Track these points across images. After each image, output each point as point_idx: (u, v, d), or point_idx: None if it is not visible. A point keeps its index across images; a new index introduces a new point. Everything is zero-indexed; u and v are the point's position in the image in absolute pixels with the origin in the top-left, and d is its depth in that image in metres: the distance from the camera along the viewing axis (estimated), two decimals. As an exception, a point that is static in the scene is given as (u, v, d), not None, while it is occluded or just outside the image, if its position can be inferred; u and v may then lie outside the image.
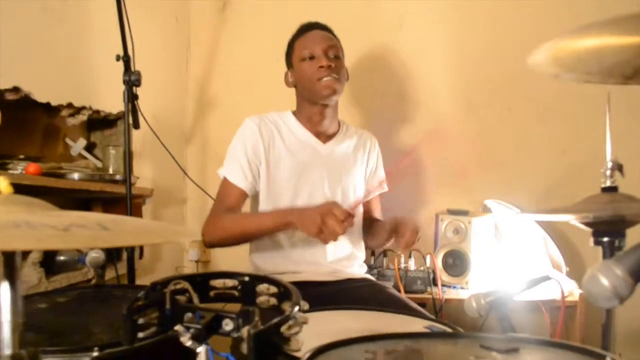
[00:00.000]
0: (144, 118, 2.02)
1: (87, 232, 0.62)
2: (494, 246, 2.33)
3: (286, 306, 0.81)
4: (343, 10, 2.63)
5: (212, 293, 0.90)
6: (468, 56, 2.62)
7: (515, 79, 2.54)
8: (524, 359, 0.85)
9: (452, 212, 2.33)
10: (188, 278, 0.84)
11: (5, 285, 0.63)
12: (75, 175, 1.89)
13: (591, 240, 1.21)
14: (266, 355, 0.70)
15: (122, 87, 1.89)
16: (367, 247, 2.11)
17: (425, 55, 2.66)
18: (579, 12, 2.34)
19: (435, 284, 2.19)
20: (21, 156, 1.78)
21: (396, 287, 2.11)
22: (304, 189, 1.84)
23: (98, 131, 2.30)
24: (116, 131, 2.27)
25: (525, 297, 1.26)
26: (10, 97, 1.69)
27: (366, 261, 2.03)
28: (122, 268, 1.98)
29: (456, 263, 2.27)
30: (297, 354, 0.75)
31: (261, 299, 0.90)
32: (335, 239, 1.53)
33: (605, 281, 0.64)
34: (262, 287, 0.90)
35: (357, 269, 1.93)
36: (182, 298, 0.81)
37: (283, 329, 0.72)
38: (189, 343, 0.66)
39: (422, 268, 2.21)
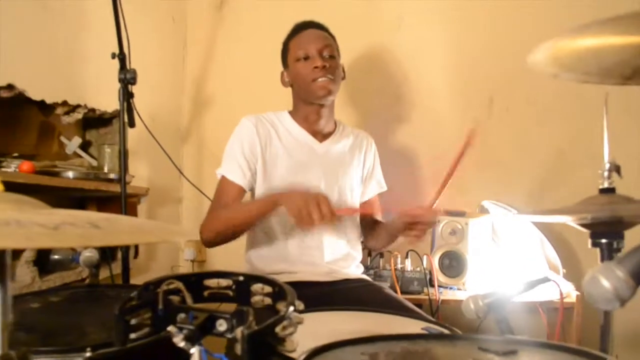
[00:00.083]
0: (140, 117, 2.01)
1: (78, 230, 0.61)
2: (491, 247, 2.33)
3: (281, 306, 0.80)
4: (341, 10, 2.62)
5: (206, 293, 0.89)
6: (466, 57, 2.61)
7: (513, 79, 2.53)
8: (522, 361, 0.85)
9: (448, 213, 2.32)
10: (182, 278, 0.83)
11: (-5, 283, 0.62)
12: (70, 174, 1.88)
13: (589, 241, 1.21)
14: (261, 356, 0.69)
15: (118, 85, 1.88)
16: (368, 249, 2.11)
17: (423, 56, 2.65)
18: (578, 12, 2.33)
19: (431, 285, 2.19)
20: (15, 154, 1.77)
21: (392, 287, 2.11)
22: (301, 188, 1.82)
23: (93, 129, 2.28)
24: (112, 130, 2.25)
25: (523, 298, 1.25)
26: (4, 94, 1.67)
27: (363, 262, 2.02)
28: (117, 267, 1.97)
29: (453, 264, 2.26)
30: (292, 355, 0.74)
31: (256, 299, 0.89)
32: (309, 227, 1.53)
33: (606, 283, 0.63)
34: (257, 286, 0.89)
35: (354, 270, 1.92)
36: (175, 298, 0.80)
37: (278, 329, 0.71)
38: (182, 344, 0.65)
39: (418, 269, 2.20)
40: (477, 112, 2.61)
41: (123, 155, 1.89)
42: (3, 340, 0.63)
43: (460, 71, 2.62)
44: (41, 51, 1.87)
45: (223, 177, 1.81)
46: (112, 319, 0.72)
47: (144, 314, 0.74)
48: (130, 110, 1.91)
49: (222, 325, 0.72)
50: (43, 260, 1.75)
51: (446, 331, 1.18)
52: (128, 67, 1.88)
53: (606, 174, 1.21)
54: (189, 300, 0.79)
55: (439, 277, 2.22)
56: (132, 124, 1.94)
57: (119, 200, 1.88)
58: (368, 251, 2.29)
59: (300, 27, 1.91)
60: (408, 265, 2.22)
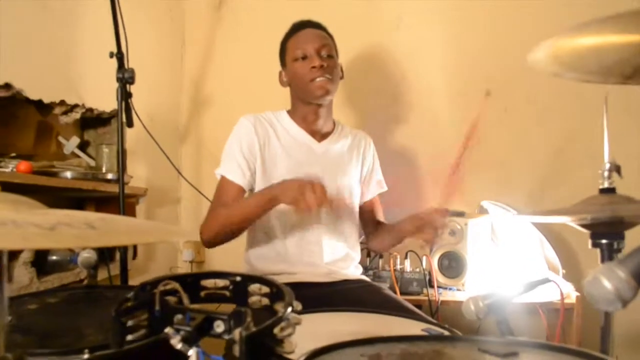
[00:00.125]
0: (138, 116, 2.00)
1: (74, 231, 0.60)
2: (490, 248, 2.32)
3: (279, 307, 0.79)
4: (340, 10, 2.62)
5: (202, 293, 0.89)
6: (465, 57, 2.60)
7: (512, 79, 2.53)
8: (523, 363, 0.84)
9: (448, 213, 2.32)
10: (178, 278, 0.83)
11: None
12: (68, 174, 1.88)
13: (589, 242, 1.20)
14: (259, 358, 0.68)
15: (116, 85, 1.87)
16: (371, 250, 2.10)
17: (422, 56, 2.65)
18: (578, 10, 2.31)
19: (431, 286, 2.18)
20: (13, 154, 1.77)
21: (392, 288, 2.10)
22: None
23: (92, 129, 2.28)
24: (110, 129, 2.25)
25: (523, 299, 1.25)
26: (1, 94, 1.67)
27: (361, 262, 2.02)
28: (115, 268, 1.96)
29: (452, 265, 2.25)
30: (291, 356, 0.74)
31: (253, 299, 0.88)
32: (309, 211, 1.52)
33: (607, 284, 0.62)
34: (254, 287, 0.88)
35: (353, 270, 1.92)
36: (172, 299, 0.79)
37: (276, 330, 0.71)
38: (179, 346, 0.64)
39: (418, 269, 2.20)
40: (475, 112, 2.60)
41: (121, 155, 1.88)
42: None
43: (459, 71, 2.61)
44: (39, 50, 1.87)
45: (223, 177, 1.80)
46: (109, 320, 0.72)
47: (140, 315, 0.73)
48: (128, 110, 1.91)
49: (219, 327, 0.71)
50: (41, 261, 1.74)
51: (446, 332, 1.18)
52: (126, 66, 1.87)
53: (606, 174, 1.21)
54: (185, 301, 0.78)
55: (438, 277, 2.21)
56: (130, 123, 1.93)
57: (117, 201, 1.88)
58: (367, 252, 2.28)
59: (298, 27, 1.91)
60: (407, 266, 2.21)
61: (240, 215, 1.73)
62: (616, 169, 1.21)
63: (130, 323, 0.72)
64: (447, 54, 2.62)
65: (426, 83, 2.64)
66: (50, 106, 1.92)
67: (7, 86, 1.68)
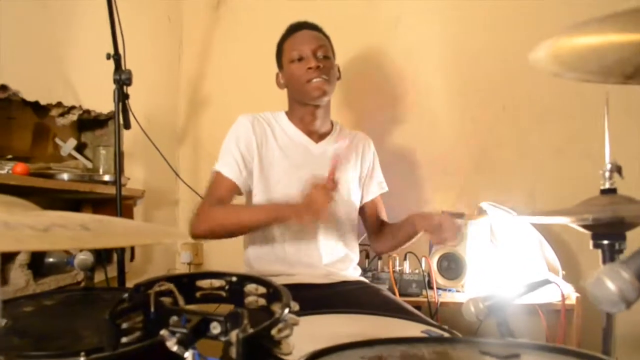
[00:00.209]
0: (135, 118, 1.99)
1: (68, 232, 0.59)
2: (490, 249, 2.31)
3: (276, 308, 0.78)
4: (338, 10, 2.61)
5: (198, 294, 0.88)
6: (464, 56, 2.60)
7: (511, 79, 2.52)
8: (524, 364, 0.83)
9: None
10: (173, 279, 0.82)
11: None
12: (65, 176, 1.87)
13: (590, 243, 1.19)
14: (256, 360, 0.67)
15: (113, 87, 1.86)
16: (375, 252, 2.10)
17: (421, 56, 2.64)
18: (577, 10, 2.31)
19: (430, 287, 2.17)
20: (9, 156, 1.76)
21: (391, 290, 2.09)
22: (297, 188, 1.81)
23: (89, 131, 2.27)
24: (107, 131, 2.24)
25: (523, 300, 1.24)
26: (-3, 95, 1.66)
27: (360, 264, 2.01)
28: (113, 271, 1.95)
29: (451, 266, 2.24)
30: (289, 358, 0.73)
31: (249, 300, 0.87)
32: (325, 211, 1.56)
33: (611, 285, 0.61)
34: (251, 287, 0.87)
35: (352, 272, 1.91)
36: (167, 300, 0.78)
37: (273, 332, 0.70)
38: (175, 348, 0.63)
39: (417, 271, 2.19)
40: (474, 112, 2.60)
41: (118, 157, 1.87)
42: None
43: (458, 71, 2.61)
44: (35, 52, 1.86)
45: (218, 173, 1.79)
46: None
47: (135, 317, 0.72)
48: (125, 111, 1.89)
49: (216, 328, 0.70)
50: (37, 264, 1.73)
51: (446, 334, 1.17)
52: (123, 67, 1.86)
53: (607, 174, 1.20)
54: (181, 302, 0.78)
55: (437, 279, 2.20)
56: (127, 125, 1.92)
57: (115, 203, 1.86)
58: (366, 253, 2.28)
59: (294, 28, 1.90)
60: (406, 267, 2.20)
61: (238, 223, 1.73)
62: (617, 169, 1.20)
63: (125, 325, 0.71)
64: (446, 54, 2.62)
65: (425, 83, 2.63)
66: (47, 108, 1.92)
67: (4, 88, 1.67)
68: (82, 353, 0.79)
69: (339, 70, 1.94)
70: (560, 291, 2.01)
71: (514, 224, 2.34)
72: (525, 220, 2.29)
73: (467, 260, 2.23)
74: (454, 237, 1.70)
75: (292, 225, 1.78)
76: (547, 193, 2.46)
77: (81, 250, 1.32)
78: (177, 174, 2.60)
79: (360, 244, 2.04)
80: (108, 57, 1.84)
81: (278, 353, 0.70)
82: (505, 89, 2.57)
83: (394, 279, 2.15)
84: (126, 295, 0.77)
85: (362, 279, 1.94)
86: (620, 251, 1.14)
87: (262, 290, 0.86)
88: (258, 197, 1.81)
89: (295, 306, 0.76)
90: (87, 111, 2.08)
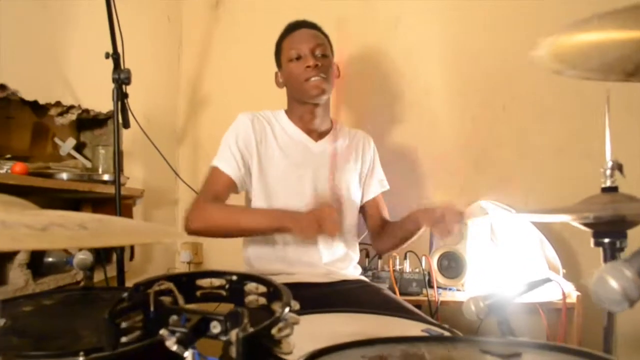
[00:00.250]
0: (134, 117, 1.99)
1: (66, 232, 0.59)
2: (490, 248, 2.31)
3: (276, 307, 0.78)
4: (338, 9, 2.61)
5: (198, 293, 0.87)
6: (463, 55, 2.60)
7: (511, 78, 2.52)
8: (526, 363, 0.83)
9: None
10: (173, 278, 0.81)
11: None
12: (64, 175, 1.86)
13: (591, 241, 1.19)
14: (256, 359, 0.67)
15: (112, 86, 1.86)
16: (377, 252, 2.09)
17: (420, 55, 2.64)
18: (577, 10, 2.30)
19: (430, 286, 2.17)
20: (8, 155, 1.75)
21: (391, 289, 2.08)
22: (297, 187, 1.81)
23: (88, 131, 2.26)
24: (106, 131, 2.24)
25: (523, 299, 1.23)
26: (-4, 94, 1.66)
27: (361, 263, 2.01)
28: (112, 270, 1.95)
29: (452, 265, 2.24)
30: (289, 357, 0.72)
31: (250, 299, 0.87)
32: (333, 237, 1.58)
33: (614, 283, 0.60)
34: (251, 286, 0.87)
35: (352, 271, 1.90)
36: (167, 299, 0.78)
37: (274, 331, 0.69)
38: (174, 347, 0.63)
39: (417, 270, 2.18)
40: (474, 112, 2.60)
41: (118, 157, 1.86)
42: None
43: (458, 70, 2.61)
44: (34, 51, 1.85)
45: (215, 168, 1.79)
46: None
47: (134, 316, 0.72)
48: (124, 111, 1.89)
49: (216, 328, 0.69)
50: (37, 263, 1.73)
51: (447, 333, 1.17)
52: (122, 67, 1.86)
53: (608, 172, 1.19)
54: (180, 301, 0.77)
55: (437, 278, 2.19)
56: (126, 124, 1.91)
57: (114, 202, 1.86)
58: (366, 252, 2.27)
59: (292, 27, 1.90)
60: (407, 266, 2.19)
61: (237, 226, 1.71)
62: (618, 167, 1.20)
63: (124, 325, 0.70)
64: (445, 53, 2.61)
65: (425, 83, 2.63)
66: (45, 107, 1.91)
67: (2, 87, 1.67)
68: (81, 353, 0.79)
69: (338, 69, 1.93)
70: (561, 290, 2.00)
71: (514, 222, 2.34)
72: (526, 219, 2.29)
73: (468, 259, 2.23)
74: (457, 224, 1.68)
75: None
76: (548, 192, 2.46)
77: (80, 250, 1.32)
78: (176, 174, 2.60)
79: (360, 243, 2.04)
80: (107, 56, 1.83)
81: (278, 352, 0.70)
82: (505, 89, 2.56)
83: (394, 278, 2.14)
84: (126, 294, 0.76)
85: (363, 278, 1.94)
86: (622, 249, 1.14)
87: (262, 289, 0.86)
88: (257, 196, 1.81)
89: (296, 305, 0.76)
90: (86, 110, 2.08)
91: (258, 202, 1.81)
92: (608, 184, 1.20)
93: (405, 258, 2.20)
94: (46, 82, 1.91)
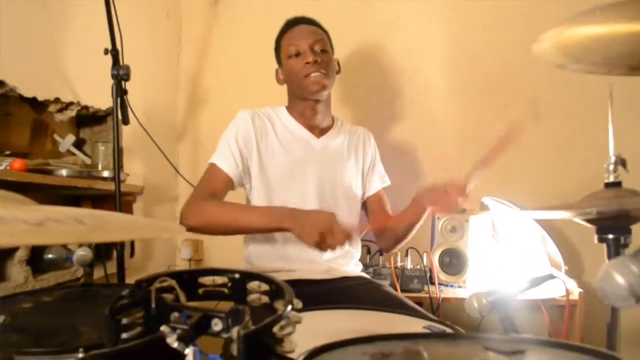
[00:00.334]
0: (134, 114, 1.98)
1: (63, 227, 0.58)
2: (492, 244, 2.30)
3: (279, 305, 0.77)
4: (337, 7, 2.60)
5: (200, 291, 0.86)
6: (464, 54, 2.59)
7: (512, 76, 2.52)
8: (530, 361, 0.82)
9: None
10: (175, 275, 0.80)
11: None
12: (63, 172, 1.85)
13: (595, 237, 1.18)
14: (258, 357, 0.66)
15: (111, 82, 1.85)
16: (381, 249, 2.10)
17: (421, 53, 2.63)
18: (576, 9, 2.30)
19: (432, 283, 2.16)
20: (7, 152, 1.74)
21: (392, 285, 2.08)
22: (298, 184, 1.81)
23: (87, 127, 2.26)
24: (106, 127, 2.23)
25: (525, 296, 1.23)
26: (-6, 91, 1.65)
27: (362, 260, 2.00)
28: (112, 267, 1.94)
29: (453, 262, 2.23)
30: (291, 355, 0.72)
31: (252, 297, 0.86)
32: (322, 251, 1.52)
33: (620, 279, 0.59)
34: (253, 284, 0.86)
35: (353, 267, 1.90)
36: (168, 296, 0.77)
37: (275, 329, 0.68)
38: (175, 344, 0.62)
39: (418, 266, 2.18)
40: (476, 110, 2.59)
41: (117, 153, 1.85)
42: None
43: (458, 68, 2.60)
44: (32, 47, 1.84)
45: (213, 165, 1.78)
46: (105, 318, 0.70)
47: (135, 313, 0.71)
48: (124, 107, 1.88)
49: (217, 325, 0.68)
50: (37, 260, 1.72)
51: (448, 330, 1.16)
52: (121, 63, 1.85)
53: (612, 167, 1.19)
54: (182, 298, 0.76)
55: (439, 274, 2.19)
56: (126, 121, 1.91)
57: (114, 199, 1.85)
58: (367, 249, 2.27)
59: (291, 24, 1.90)
60: (408, 263, 2.19)
61: (235, 224, 1.68)
62: (622, 162, 1.19)
63: (125, 321, 0.70)
64: (446, 51, 2.61)
65: (425, 80, 2.62)
66: (45, 104, 1.90)
67: (1, 83, 1.66)
68: (81, 349, 0.79)
69: (338, 65, 1.92)
70: (564, 286, 2.00)
71: (516, 219, 2.33)
72: (530, 215, 2.28)
73: (469, 255, 2.23)
74: (461, 198, 1.65)
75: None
76: (551, 189, 2.44)
77: (80, 246, 1.31)
78: (176, 170, 2.59)
79: (361, 240, 2.03)
80: (106, 52, 1.82)
81: (280, 351, 0.69)
82: (505, 89, 2.55)
83: (395, 274, 2.14)
84: (127, 291, 0.75)
85: (364, 274, 1.93)
86: (626, 245, 1.13)
87: (264, 287, 0.85)
88: (257, 193, 1.80)
89: (299, 304, 0.75)
90: (86, 107, 2.07)
91: (258, 198, 1.80)
92: (611, 179, 1.19)
93: (406, 255, 2.20)
94: (45, 79, 1.90)
